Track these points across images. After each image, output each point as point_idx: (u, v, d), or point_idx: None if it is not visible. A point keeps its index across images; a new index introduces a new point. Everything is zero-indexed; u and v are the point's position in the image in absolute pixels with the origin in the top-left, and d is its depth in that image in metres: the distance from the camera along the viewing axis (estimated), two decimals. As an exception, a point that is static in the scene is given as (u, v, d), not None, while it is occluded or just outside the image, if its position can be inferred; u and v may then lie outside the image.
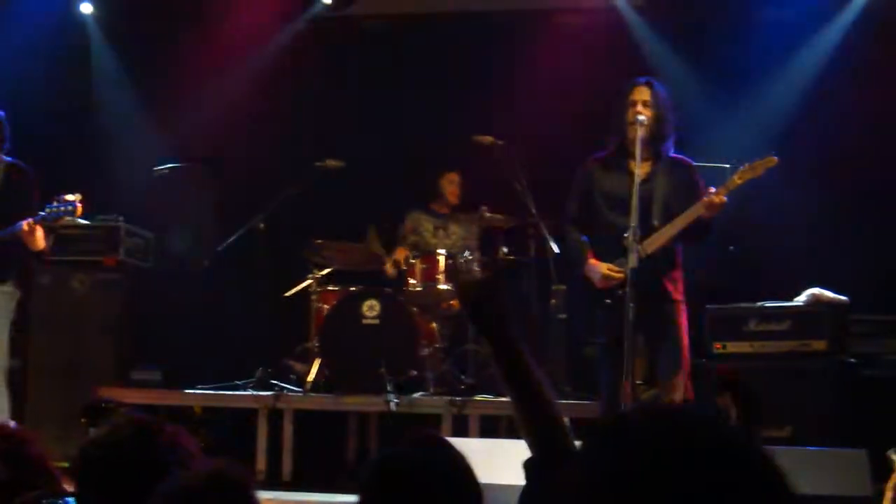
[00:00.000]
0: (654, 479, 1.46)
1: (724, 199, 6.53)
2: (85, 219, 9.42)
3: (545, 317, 9.18)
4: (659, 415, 1.56)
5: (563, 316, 8.99)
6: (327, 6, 11.11)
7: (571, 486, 1.57)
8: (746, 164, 6.59)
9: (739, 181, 6.58)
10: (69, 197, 7.18)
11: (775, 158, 6.57)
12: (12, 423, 4.90)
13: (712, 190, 6.57)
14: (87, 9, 11.22)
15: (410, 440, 2.76)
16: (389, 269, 9.62)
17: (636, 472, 1.48)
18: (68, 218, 7.30)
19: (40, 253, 7.40)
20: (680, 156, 6.99)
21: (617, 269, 6.64)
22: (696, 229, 6.68)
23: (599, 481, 1.52)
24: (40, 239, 7.24)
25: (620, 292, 6.57)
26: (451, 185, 9.92)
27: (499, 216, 9.26)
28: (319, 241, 9.39)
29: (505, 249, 9.33)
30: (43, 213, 7.20)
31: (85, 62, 11.23)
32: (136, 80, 11.02)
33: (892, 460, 4.34)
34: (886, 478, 4.47)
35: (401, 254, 9.61)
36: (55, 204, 7.19)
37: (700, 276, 7.54)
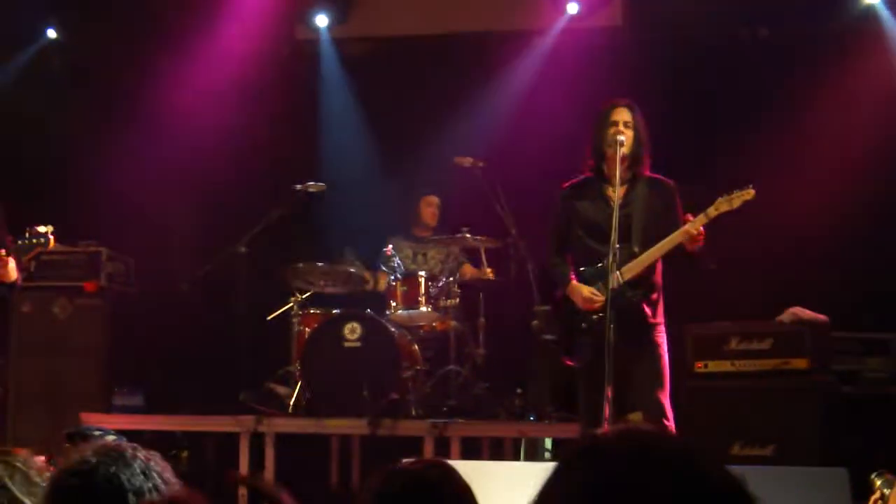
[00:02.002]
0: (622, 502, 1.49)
1: (702, 229, 6.52)
2: (66, 244, 9.41)
3: (527, 337, 9.18)
4: (629, 438, 1.59)
5: (547, 336, 8.99)
6: (321, 28, 11.12)
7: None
8: (724, 196, 6.58)
9: (715, 213, 6.56)
10: (41, 229, 7.09)
11: (753, 191, 6.55)
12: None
13: (690, 218, 6.58)
14: (52, 34, 11.19)
15: (414, 462, 2.79)
16: (370, 284, 9.61)
17: (604, 495, 1.51)
18: (41, 250, 7.21)
19: (13, 284, 7.31)
20: (659, 176, 6.96)
21: (598, 294, 6.64)
22: (683, 261, 6.68)
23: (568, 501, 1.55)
24: (12, 271, 7.14)
25: (596, 317, 6.59)
26: (429, 208, 9.95)
27: (479, 238, 9.27)
28: (301, 264, 9.39)
29: (489, 269, 9.36)
30: (14, 246, 7.11)
31: (58, 86, 11.20)
32: (116, 105, 10.96)
33: (874, 482, 4.34)
34: (867, 497, 4.48)
35: (381, 277, 9.61)
36: (27, 236, 7.10)
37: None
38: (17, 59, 11.04)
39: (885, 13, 9.89)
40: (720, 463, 1.58)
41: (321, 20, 11.11)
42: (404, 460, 2.78)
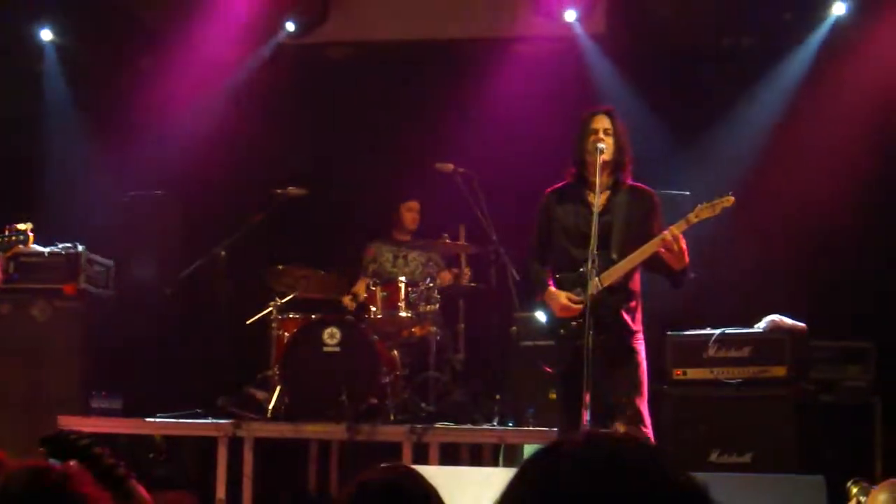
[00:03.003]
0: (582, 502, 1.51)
1: (679, 234, 6.50)
2: (45, 246, 9.38)
3: (507, 344, 9.18)
4: (592, 443, 1.60)
5: (527, 343, 8.99)
6: (290, 33, 11.11)
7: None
8: (704, 203, 6.57)
9: (696, 220, 6.55)
10: (21, 226, 7.08)
11: (732, 198, 6.54)
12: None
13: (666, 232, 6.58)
14: (46, 35, 11.17)
15: (382, 469, 2.79)
16: (347, 301, 9.65)
17: (564, 498, 1.52)
18: (20, 248, 7.19)
19: None
20: (640, 185, 6.97)
21: (576, 298, 6.64)
22: (671, 278, 6.69)
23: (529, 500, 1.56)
24: None
25: (574, 323, 6.59)
26: (410, 213, 9.95)
27: (459, 243, 9.28)
28: (281, 266, 9.38)
29: (468, 271, 9.39)
30: None
31: (41, 88, 11.16)
32: (97, 107, 10.95)
33: (849, 490, 4.38)
34: (848, 499, 4.51)
35: (362, 284, 9.61)
36: (7, 233, 7.08)
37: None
38: (4, 59, 11.00)
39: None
40: (684, 469, 1.58)
41: (290, 26, 11.09)
42: (369, 471, 2.78)
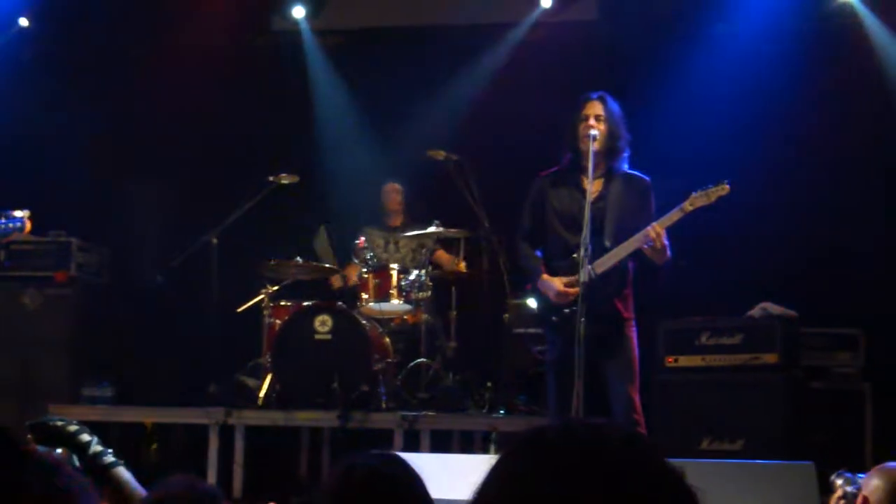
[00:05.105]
0: (561, 490, 1.50)
1: (662, 231, 6.51)
2: (36, 234, 9.37)
3: (499, 330, 9.18)
4: (572, 429, 1.60)
5: (519, 330, 9.00)
6: (294, 20, 11.09)
7: (483, 490, 1.62)
8: (699, 191, 6.57)
9: (691, 208, 6.55)
10: (17, 213, 7.02)
11: (728, 186, 6.55)
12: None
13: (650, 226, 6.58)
14: (23, 22, 11.08)
15: (367, 455, 2.80)
16: (336, 282, 9.65)
17: (541, 484, 1.52)
18: (17, 235, 7.15)
19: None
20: (636, 172, 6.96)
21: (571, 287, 6.63)
22: (647, 267, 6.70)
23: (508, 490, 1.55)
24: None
25: (567, 310, 6.58)
26: (392, 195, 9.96)
27: (451, 230, 9.26)
28: (273, 261, 9.36)
29: (462, 263, 9.39)
30: None
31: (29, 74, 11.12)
32: (90, 93, 10.90)
33: (834, 483, 4.38)
34: (832, 492, 4.51)
35: (353, 270, 9.60)
36: (3, 220, 7.03)
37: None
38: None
39: (861, 9, 9.92)
40: (662, 455, 1.59)
41: (298, 11, 11.06)
42: (355, 456, 2.79)
